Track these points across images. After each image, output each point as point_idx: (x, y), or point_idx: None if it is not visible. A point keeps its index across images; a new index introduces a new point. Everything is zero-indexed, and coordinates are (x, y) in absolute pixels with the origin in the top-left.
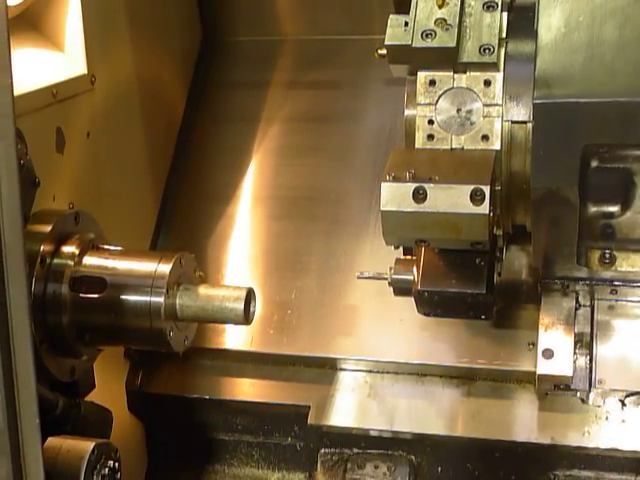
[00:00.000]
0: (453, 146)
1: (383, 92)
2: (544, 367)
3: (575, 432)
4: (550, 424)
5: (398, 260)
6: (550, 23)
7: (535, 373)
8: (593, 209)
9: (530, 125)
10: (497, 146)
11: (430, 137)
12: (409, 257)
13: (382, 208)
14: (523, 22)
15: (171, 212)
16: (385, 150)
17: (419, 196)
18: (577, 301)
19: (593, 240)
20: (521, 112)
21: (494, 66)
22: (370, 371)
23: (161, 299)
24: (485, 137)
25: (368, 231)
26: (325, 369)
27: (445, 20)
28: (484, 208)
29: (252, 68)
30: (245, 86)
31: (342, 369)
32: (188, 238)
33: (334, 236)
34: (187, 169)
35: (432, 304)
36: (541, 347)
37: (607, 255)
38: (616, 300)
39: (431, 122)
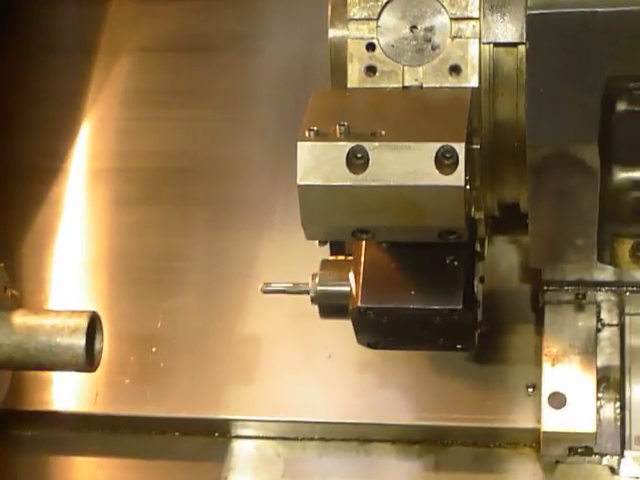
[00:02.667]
0: (406, 83)
1: (290, 4)
2: (552, 421)
3: None
4: None
5: (325, 263)
6: None
7: (539, 430)
8: (621, 177)
9: (523, 49)
10: (474, 82)
11: (370, 70)
12: (341, 258)
13: (299, 182)
14: None
15: None
16: (296, 93)
17: (357, 162)
18: (599, 318)
19: (621, 224)
20: (509, 29)
21: None
22: (283, 438)
23: None
24: (455, 68)
25: (274, 219)
26: (213, 437)
27: None
28: (457, 177)
29: None
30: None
31: (239, 436)
32: None
33: (222, 229)
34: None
35: (379, 329)
36: (547, 391)
37: None
38: None
39: (371, 47)
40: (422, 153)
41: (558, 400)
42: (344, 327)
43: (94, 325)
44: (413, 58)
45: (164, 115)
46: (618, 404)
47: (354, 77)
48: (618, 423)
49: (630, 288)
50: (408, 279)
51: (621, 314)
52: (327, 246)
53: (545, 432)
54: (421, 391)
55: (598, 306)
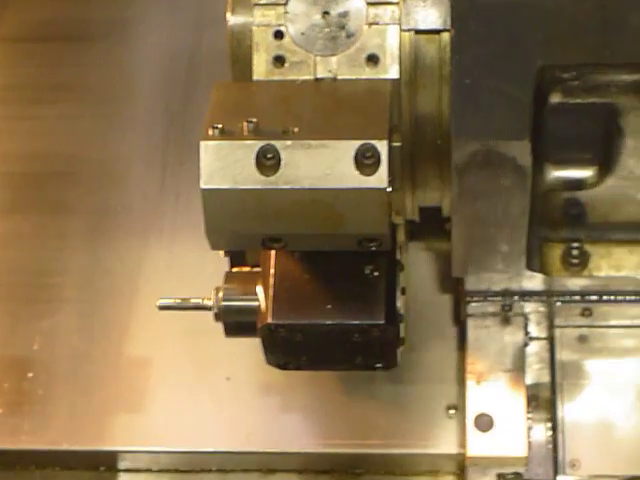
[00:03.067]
0: (319, 75)
1: None
2: (479, 445)
3: None
4: None
5: (230, 276)
6: None
7: (463, 456)
8: (553, 176)
9: (447, 36)
10: (393, 73)
11: (279, 61)
12: (247, 270)
13: (202, 185)
14: None
15: None
16: (184, 88)
17: (267, 162)
18: (526, 332)
19: (551, 228)
20: (431, 15)
21: None
22: (178, 470)
23: None
24: (372, 58)
25: (163, 227)
26: (98, 471)
27: None
28: (380, 179)
29: None
30: None
31: (128, 470)
32: None
33: (103, 239)
34: None
35: (292, 348)
36: (472, 412)
37: (575, 252)
38: (591, 326)
39: (279, 35)
40: (340, 152)
41: (484, 422)
42: (244, 346)
43: None
44: (326, 47)
45: (34, 113)
46: (550, 425)
47: (260, 69)
48: (550, 446)
49: (560, 298)
50: (323, 292)
51: (550, 326)
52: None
53: (470, 457)
54: (329, 415)
55: (526, 318)
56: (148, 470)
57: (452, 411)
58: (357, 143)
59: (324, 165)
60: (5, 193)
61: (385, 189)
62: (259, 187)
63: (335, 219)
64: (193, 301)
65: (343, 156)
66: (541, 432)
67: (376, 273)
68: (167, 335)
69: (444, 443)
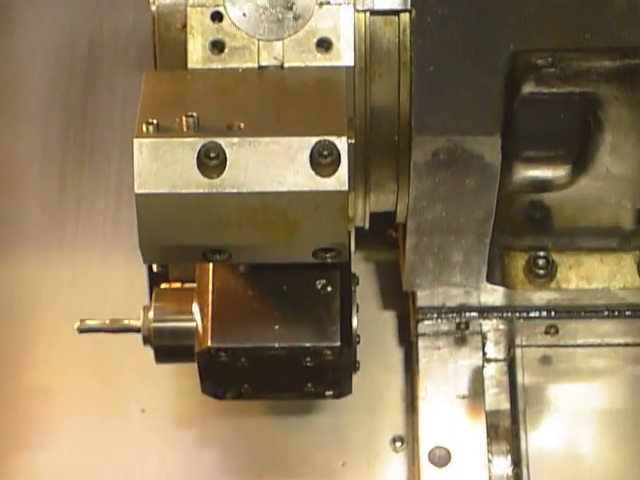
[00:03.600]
0: (263, 62)
1: None
2: None
3: None
4: None
5: (160, 293)
6: None
7: None
8: (522, 176)
9: (407, 18)
10: (348, 60)
11: (217, 46)
12: (177, 286)
13: (136, 190)
14: None
15: None
16: (85, 77)
17: (210, 163)
18: (484, 352)
19: (515, 235)
20: None
21: None
22: None
23: None
24: (324, 43)
25: (64, 237)
26: None
27: None
28: (340, 180)
29: None
30: None
31: None
32: None
33: None
34: None
35: (233, 375)
36: (425, 446)
37: (540, 261)
38: (556, 345)
39: (218, 17)
40: (293, 151)
41: (440, 457)
42: (158, 373)
43: None
44: (271, 31)
45: None
46: (513, 458)
47: (196, 56)
48: None
49: (523, 314)
50: (270, 311)
51: (510, 346)
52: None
53: None
54: (256, 450)
55: (484, 337)
56: None
57: (398, 444)
58: (313, 140)
59: (276, 166)
60: None
61: (345, 192)
62: (201, 191)
63: (288, 227)
64: (120, 323)
65: (297, 155)
66: (502, 466)
67: (329, 288)
68: (70, 363)
69: None
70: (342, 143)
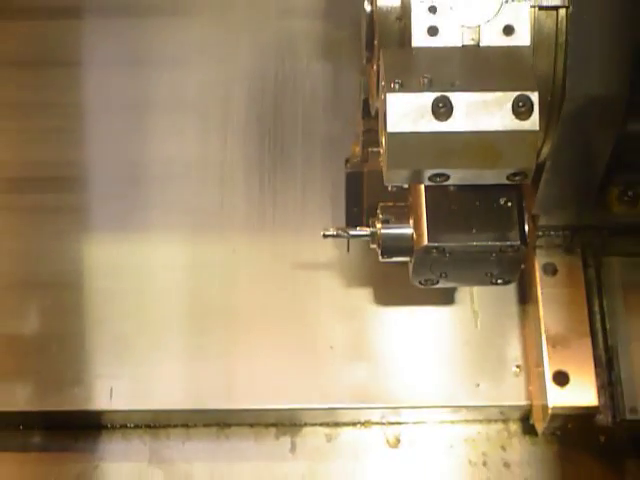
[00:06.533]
0: (465, 42)
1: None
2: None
3: None
4: None
5: (383, 207)
6: None
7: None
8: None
9: (563, 12)
10: (526, 41)
11: (432, 31)
12: (391, 204)
13: (389, 129)
14: None
15: None
16: (275, 99)
17: (441, 110)
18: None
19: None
20: None
21: None
22: (150, 426)
23: None
24: (508, 29)
25: (264, 225)
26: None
27: None
28: (533, 123)
29: None
30: None
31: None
32: None
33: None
34: None
35: (438, 267)
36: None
37: (630, 192)
38: None
39: (433, 10)
40: (500, 101)
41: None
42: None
43: None
44: (471, 19)
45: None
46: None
47: (418, 37)
48: None
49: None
50: (468, 219)
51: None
52: None
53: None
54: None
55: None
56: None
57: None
58: (514, 94)
59: (488, 112)
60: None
61: (537, 131)
62: (435, 130)
63: (495, 156)
64: (352, 232)
65: (503, 105)
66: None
67: (509, 204)
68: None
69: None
70: (534, 96)
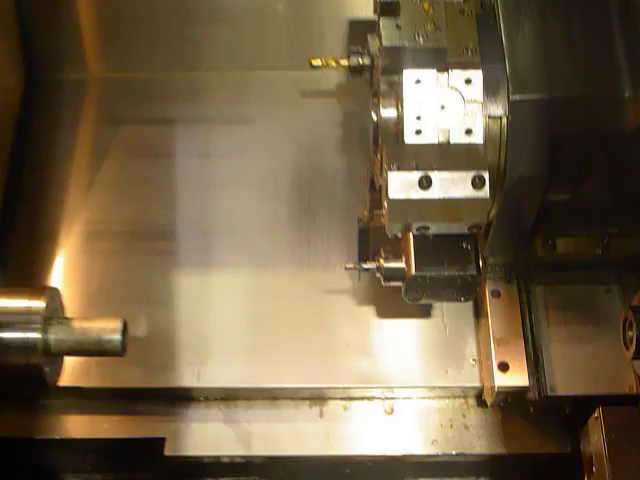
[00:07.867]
0: (440, 140)
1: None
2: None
3: None
4: None
5: (385, 249)
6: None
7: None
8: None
9: (505, 120)
10: (481, 139)
11: (418, 132)
12: (389, 247)
13: (390, 196)
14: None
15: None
16: (309, 160)
17: (424, 184)
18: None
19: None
20: (495, 107)
21: (477, 65)
22: (224, 398)
23: (38, 335)
24: (469, 131)
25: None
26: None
27: (434, 23)
28: (485, 193)
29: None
30: (75, 123)
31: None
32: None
33: None
34: (20, 208)
35: (421, 289)
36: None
37: (549, 241)
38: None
39: (418, 118)
40: (464, 178)
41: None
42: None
43: (125, 326)
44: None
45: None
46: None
47: (409, 137)
48: None
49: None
50: (441, 256)
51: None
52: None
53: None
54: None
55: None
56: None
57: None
58: (472, 173)
59: (455, 185)
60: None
61: (488, 199)
62: (420, 197)
63: (459, 215)
64: (363, 266)
65: (465, 180)
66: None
67: (469, 246)
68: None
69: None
70: (486, 175)
